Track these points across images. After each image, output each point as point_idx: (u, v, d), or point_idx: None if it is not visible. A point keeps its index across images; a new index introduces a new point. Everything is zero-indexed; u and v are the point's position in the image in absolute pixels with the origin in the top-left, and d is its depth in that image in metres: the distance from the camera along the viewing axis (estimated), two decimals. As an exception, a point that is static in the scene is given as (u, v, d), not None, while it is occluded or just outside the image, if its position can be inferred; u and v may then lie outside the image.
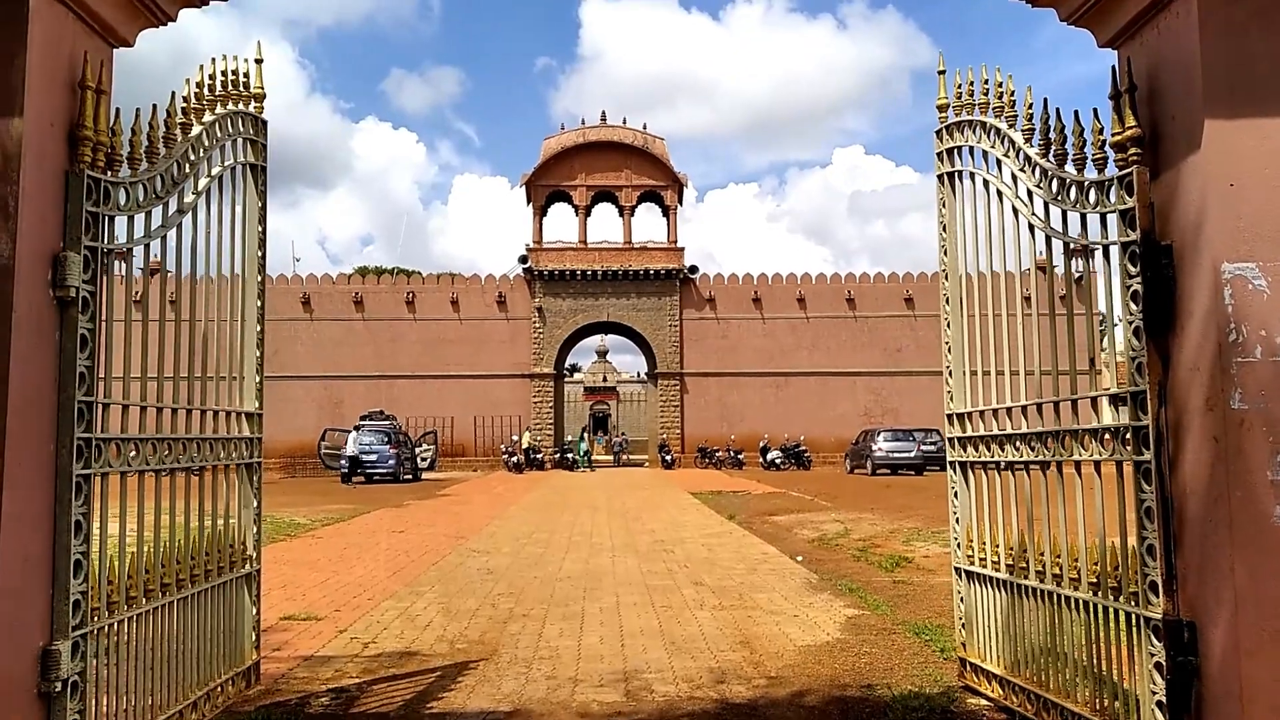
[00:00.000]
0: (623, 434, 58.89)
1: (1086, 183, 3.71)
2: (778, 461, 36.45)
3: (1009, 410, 4.34)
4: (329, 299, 40.63)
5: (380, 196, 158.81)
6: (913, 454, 31.18)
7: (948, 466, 4.91)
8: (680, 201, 41.65)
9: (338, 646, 5.95)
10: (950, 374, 4.88)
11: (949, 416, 4.89)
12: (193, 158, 4.04)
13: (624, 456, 46.95)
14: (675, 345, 40.82)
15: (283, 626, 6.60)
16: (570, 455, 38.88)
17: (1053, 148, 3.91)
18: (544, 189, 41.28)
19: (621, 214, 41.70)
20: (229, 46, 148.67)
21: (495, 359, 40.55)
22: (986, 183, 4.52)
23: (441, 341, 40.51)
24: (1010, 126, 4.26)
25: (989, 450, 4.49)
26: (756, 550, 10.90)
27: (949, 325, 4.93)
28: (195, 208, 4.11)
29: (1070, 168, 3.81)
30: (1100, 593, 3.61)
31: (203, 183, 4.19)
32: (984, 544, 4.54)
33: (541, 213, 41.57)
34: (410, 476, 30.28)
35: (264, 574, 9.30)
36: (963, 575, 4.76)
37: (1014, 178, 4.25)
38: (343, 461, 29.00)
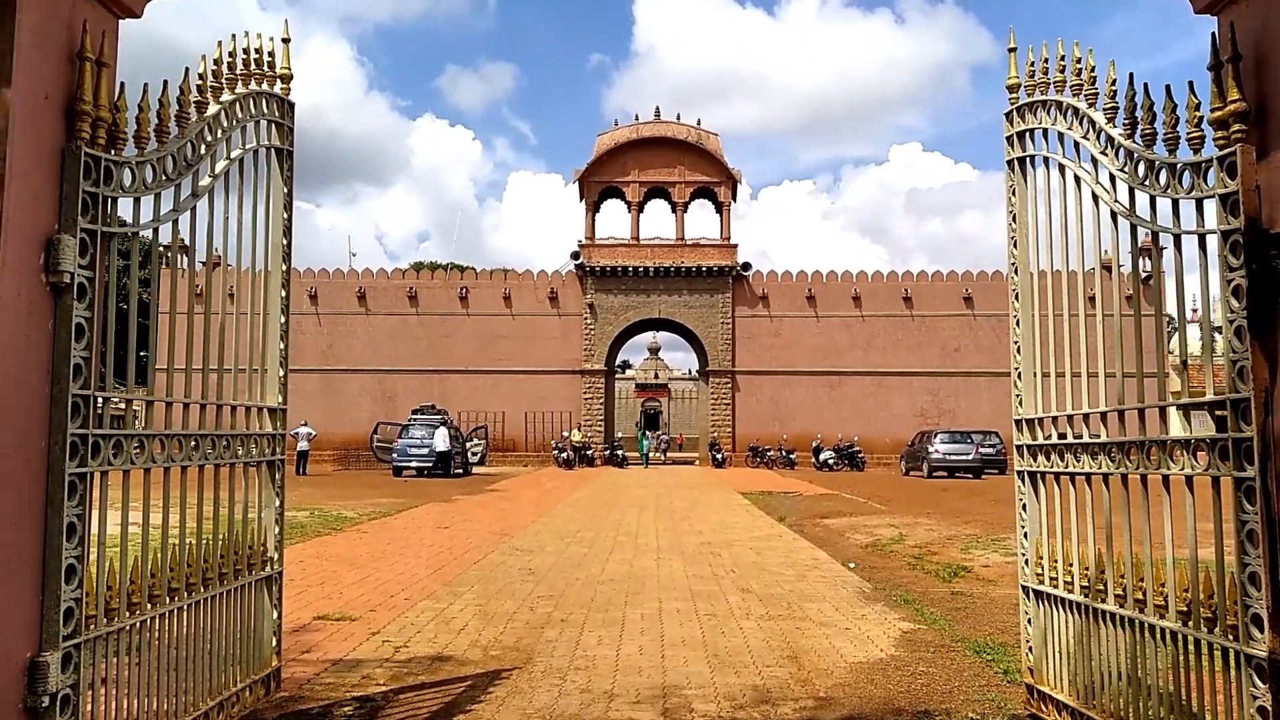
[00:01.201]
0: (664, 433, 58.77)
1: (1180, 165, 3.32)
2: (830, 462, 35.83)
3: (1086, 416, 3.95)
4: (384, 294, 40.93)
5: (437, 193, 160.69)
6: (970, 457, 30.36)
7: (1015, 476, 4.53)
8: (734, 198, 41.17)
9: (368, 650, 5.75)
10: (1020, 376, 4.50)
11: (1017, 422, 4.51)
12: (209, 138, 3.82)
13: (667, 454, 47.07)
14: (727, 343, 40.37)
15: (315, 627, 6.43)
16: (620, 452, 38.65)
17: (1139, 127, 3.52)
18: (597, 185, 41.10)
19: (674, 210, 41.35)
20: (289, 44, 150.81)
21: (547, 355, 40.50)
22: (1062, 168, 4.13)
23: (494, 337, 40.57)
24: (1090, 106, 3.87)
25: (1063, 460, 4.11)
26: (807, 555, 10.52)
27: (1019, 323, 4.55)
28: (212, 192, 3.90)
29: (1161, 149, 3.42)
30: (1191, 623, 3.23)
31: (220, 165, 3.98)
32: (1056, 562, 4.16)
33: (594, 209, 41.40)
34: (461, 471, 30.33)
35: (304, 570, 9.25)
36: (1031, 594, 4.38)
37: (1094, 161, 3.86)
38: (395, 454, 29.13)
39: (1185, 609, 3.27)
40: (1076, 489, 4.04)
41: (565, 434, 38.95)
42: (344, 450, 37.60)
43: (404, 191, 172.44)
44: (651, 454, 43.53)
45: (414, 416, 30.72)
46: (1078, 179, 4.01)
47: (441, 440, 29.47)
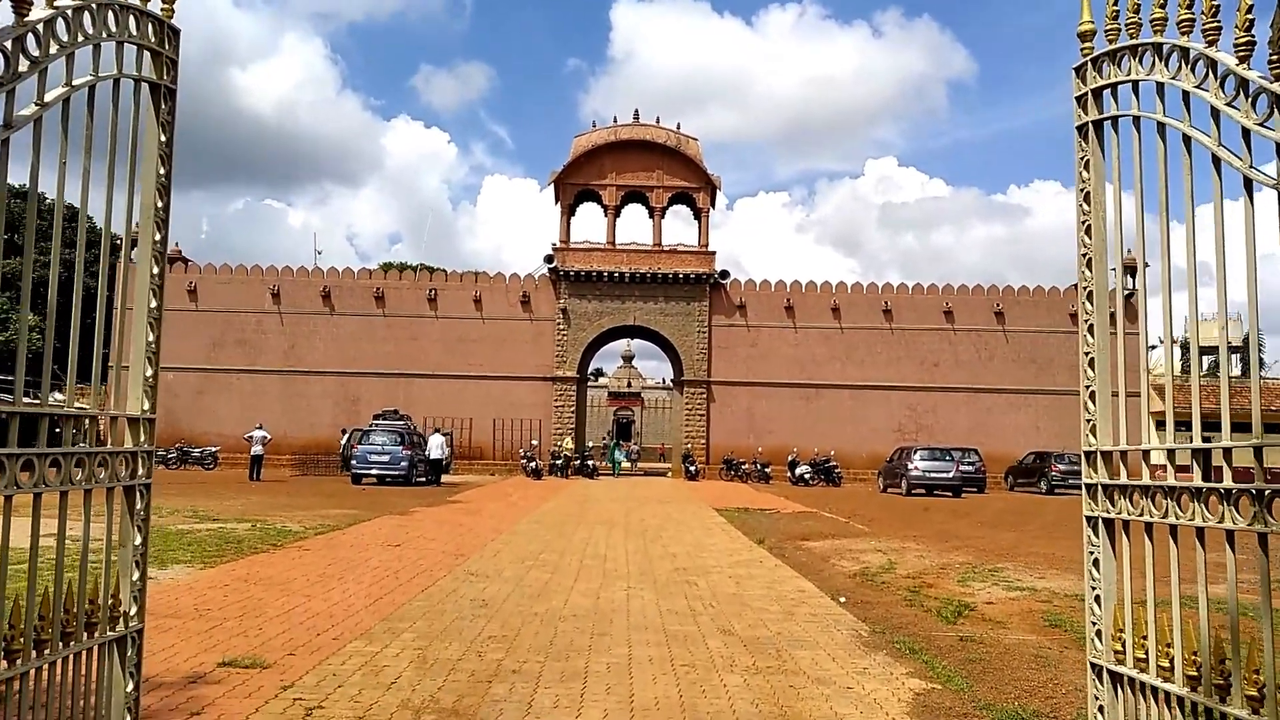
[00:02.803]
0: (637, 444, 58.00)
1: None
2: (807, 477, 34.96)
3: (1195, 453, 3.00)
4: (350, 294, 39.65)
5: (410, 195, 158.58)
6: (950, 475, 29.58)
7: (1084, 525, 3.58)
8: (713, 204, 40.28)
9: (274, 712, 4.71)
10: (1092, 398, 3.55)
11: (1088, 455, 3.56)
12: (34, 53, 2.80)
13: (636, 464, 46.56)
14: (703, 352, 39.44)
15: (217, 677, 5.37)
16: (591, 462, 37.56)
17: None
18: (573, 187, 40.09)
19: (651, 215, 40.42)
20: (263, 41, 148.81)
21: (517, 360, 39.38)
22: (1163, 129, 3.19)
23: (463, 341, 39.40)
24: (1211, 45, 2.93)
25: (1154, 505, 3.16)
26: (792, 586, 9.56)
27: (1092, 331, 3.60)
28: (39, 127, 2.87)
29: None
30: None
31: (57, 93, 2.95)
32: (1144, 640, 3.21)
33: (570, 212, 40.37)
34: (424, 479, 29.14)
35: (225, 597, 8.13)
36: (1105, 676, 3.43)
37: (1216, 116, 2.93)
38: (354, 461, 27.88)
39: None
40: (1178, 544, 3.10)
41: (534, 442, 37.85)
42: (303, 455, 36.24)
43: (376, 192, 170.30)
44: (623, 464, 42.54)
45: (375, 422, 29.46)
46: (1188, 141, 3.07)
47: (437, 448, 29.41)
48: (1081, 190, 3.68)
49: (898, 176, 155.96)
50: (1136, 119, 3.36)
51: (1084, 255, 3.65)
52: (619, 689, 5.35)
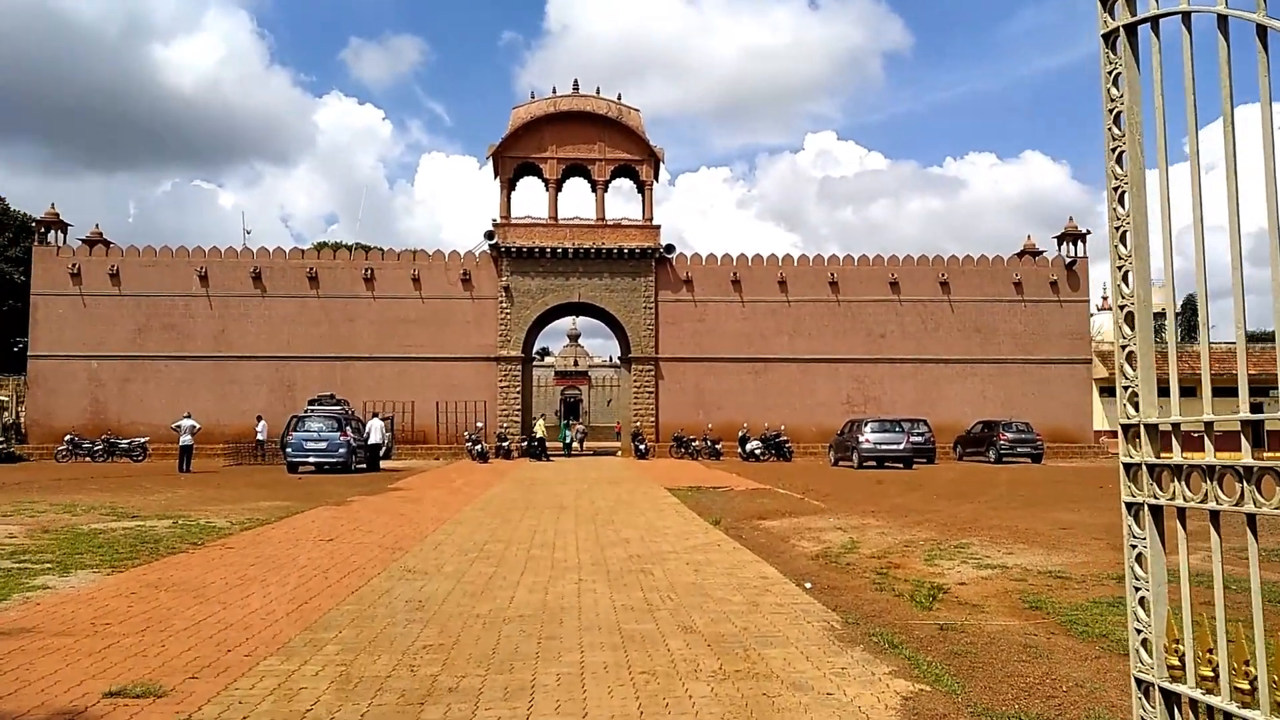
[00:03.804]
0: (582, 425, 57.62)
1: None
2: (757, 452, 34.61)
3: (1243, 425, 2.39)
4: (282, 275, 38.16)
5: (345, 174, 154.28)
6: (902, 446, 29.41)
7: (1123, 512, 2.99)
8: (656, 177, 39.48)
9: (160, 757, 3.96)
10: (1132, 360, 2.95)
11: (1125, 429, 2.97)
12: None
13: (584, 445, 46.47)
14: (650, 328, 38.79)
15: (99, 712, 4.60)
16: (536, 443, 36.78)
17: None
18: (512, 161, 38.98)
19: (594, 189, 39.51)
20: (185, 14, 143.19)
21: (459, 341, 38.33)
22: (1224, 23, 2.58)
23: (402, 321, 38.21)
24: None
25: (1220, 489, 2.57)
26: (754, 571, 8.98)
27: (1126, 280, 2.99)
28: None
29: None
30: None
31: None
32: (1208, 654, 2.63)
33: (509, 186, 39.28)
34: (364, 466, 28.13)
35: (129, 608, 7.24)
36: (1154, 693, 2.85)
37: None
38: (289, 449, 26.75)
39: None
40: (1245, 536, 2.51)
41: (480, 424, 36.95)
42: (236, 444, 34.87)
43: (309, 172, 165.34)
44: (572, 445, 41.89)
45: (311, 407, 28.29)
46: (1264, 32, 2.45)
47: (376, 432, 29.03)
48: (1111, 110, 3.06)
49: (836, 150, 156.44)
50: (1186, 15, 2.74)
51: (1116, 188, 3.03)
52: (570, 706, 4.70)
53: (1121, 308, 3.00)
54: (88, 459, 33.31)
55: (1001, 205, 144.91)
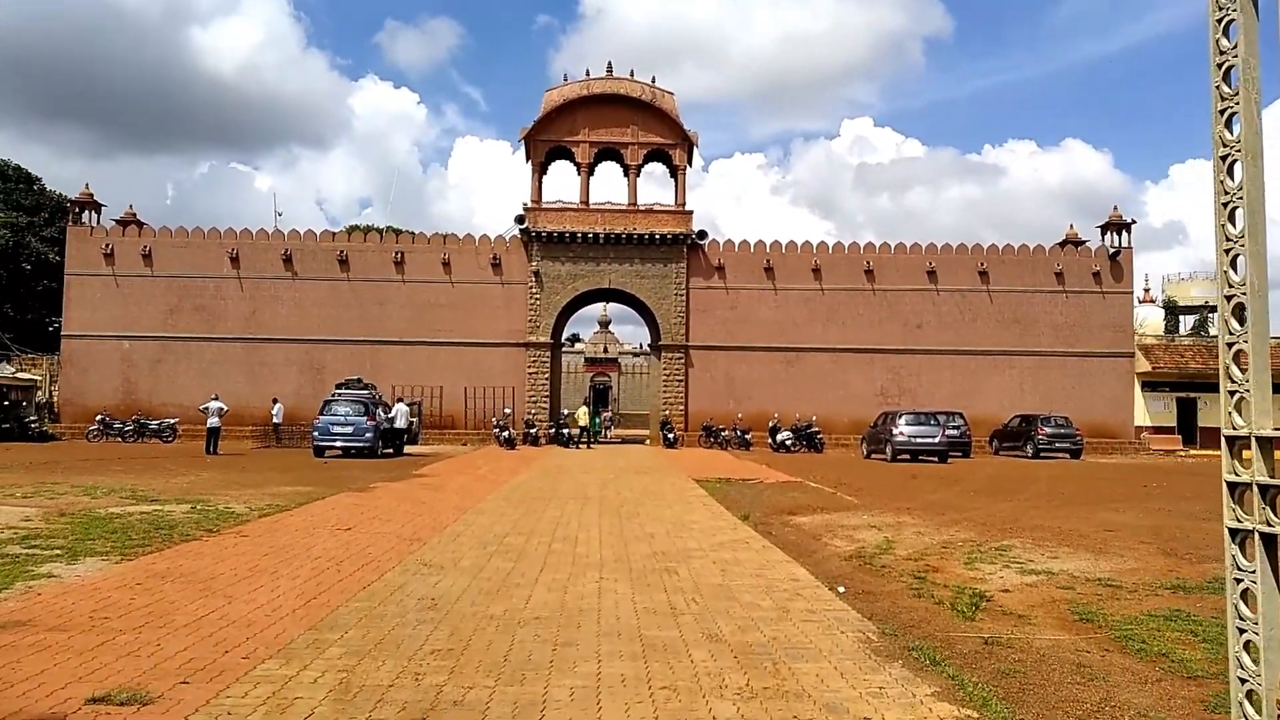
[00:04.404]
0: (610, 412, 57.56)
1: None
2: (788, 443, 34.08)
3: None
4: (313, 257, 38.10)
5: (380, 158, 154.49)
6: (937, 440, 28.74)
7: (1227, 540, 2.53)
8: (690, 162, 38.90)
9: (133, 777, 3.62)
10: (1243, 364, 2.49)
11: (1231, 441, 2.50)
12: None
13: (610, 433, 46.29)
14: (681, 315, 38.29)
15: (81, 719, 4.27)
16: (566, 431, 36.50)
17: None
18: (544, 144, 38.58)
19: (626, 173, 39.02)
20: (224, 2, 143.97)
21: (489, 325, 38.09)
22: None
23: (432, 305, 38.03)
24: None
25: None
26: (783, 573, 8.55)
27: (1235, 268, 2.53)
28: None
29: None
30: None
31: None
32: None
33: (541, 170, 38.90)
34: (391, 450, 27.98)
35: (131, 601, 6.89)
36: (1263, 758, 2.40)
37: None
38: (315, 433, 26.62)
39: None
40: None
41: (507, 410, 36.70)
42: (264, 426, 34.89)
43: (345, 155, 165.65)
44: (599, 432, 41.60)
45: (338, 391, 28.15)
46: None
47: (402, 417, 29.41)
48: (1221, 65, 2.59)
49: (873, 137, 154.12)
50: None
51: (1225, 157, 2.56)
52: (583, 726, 4.31)
53: (1229, 298, 2.54)
54: (118, 439, 33.50)
55: (1041, 194, 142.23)
